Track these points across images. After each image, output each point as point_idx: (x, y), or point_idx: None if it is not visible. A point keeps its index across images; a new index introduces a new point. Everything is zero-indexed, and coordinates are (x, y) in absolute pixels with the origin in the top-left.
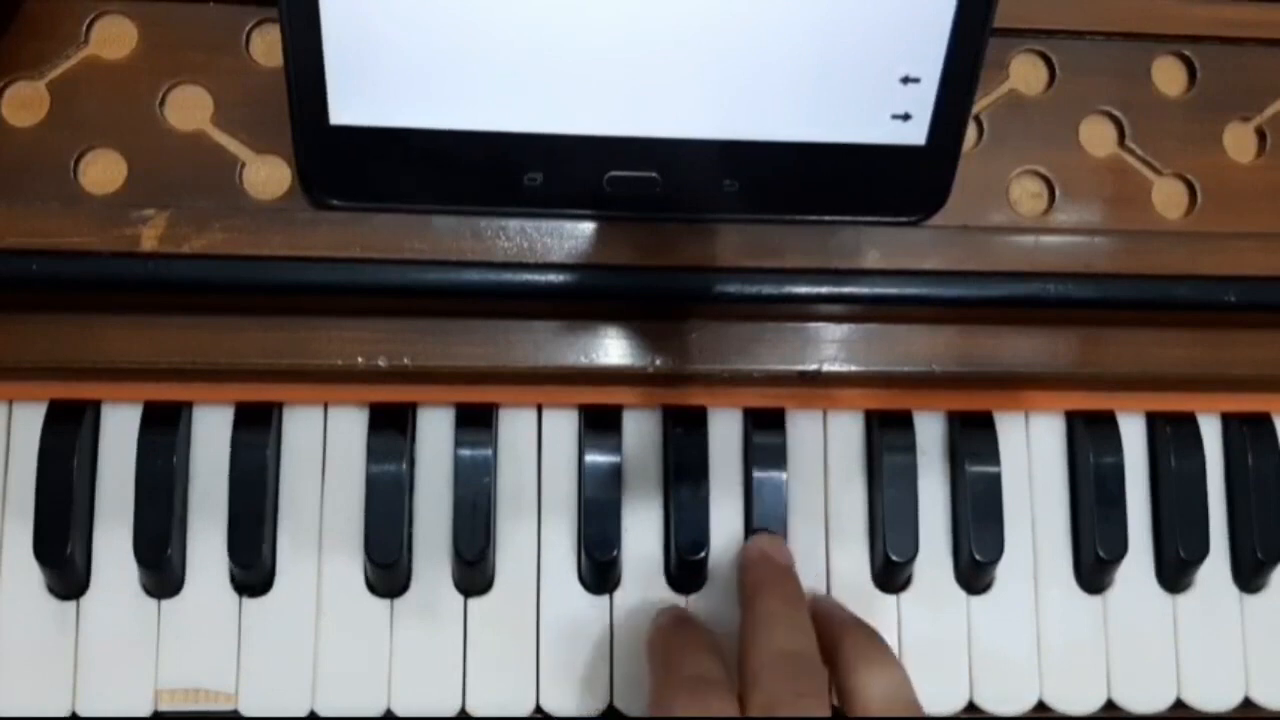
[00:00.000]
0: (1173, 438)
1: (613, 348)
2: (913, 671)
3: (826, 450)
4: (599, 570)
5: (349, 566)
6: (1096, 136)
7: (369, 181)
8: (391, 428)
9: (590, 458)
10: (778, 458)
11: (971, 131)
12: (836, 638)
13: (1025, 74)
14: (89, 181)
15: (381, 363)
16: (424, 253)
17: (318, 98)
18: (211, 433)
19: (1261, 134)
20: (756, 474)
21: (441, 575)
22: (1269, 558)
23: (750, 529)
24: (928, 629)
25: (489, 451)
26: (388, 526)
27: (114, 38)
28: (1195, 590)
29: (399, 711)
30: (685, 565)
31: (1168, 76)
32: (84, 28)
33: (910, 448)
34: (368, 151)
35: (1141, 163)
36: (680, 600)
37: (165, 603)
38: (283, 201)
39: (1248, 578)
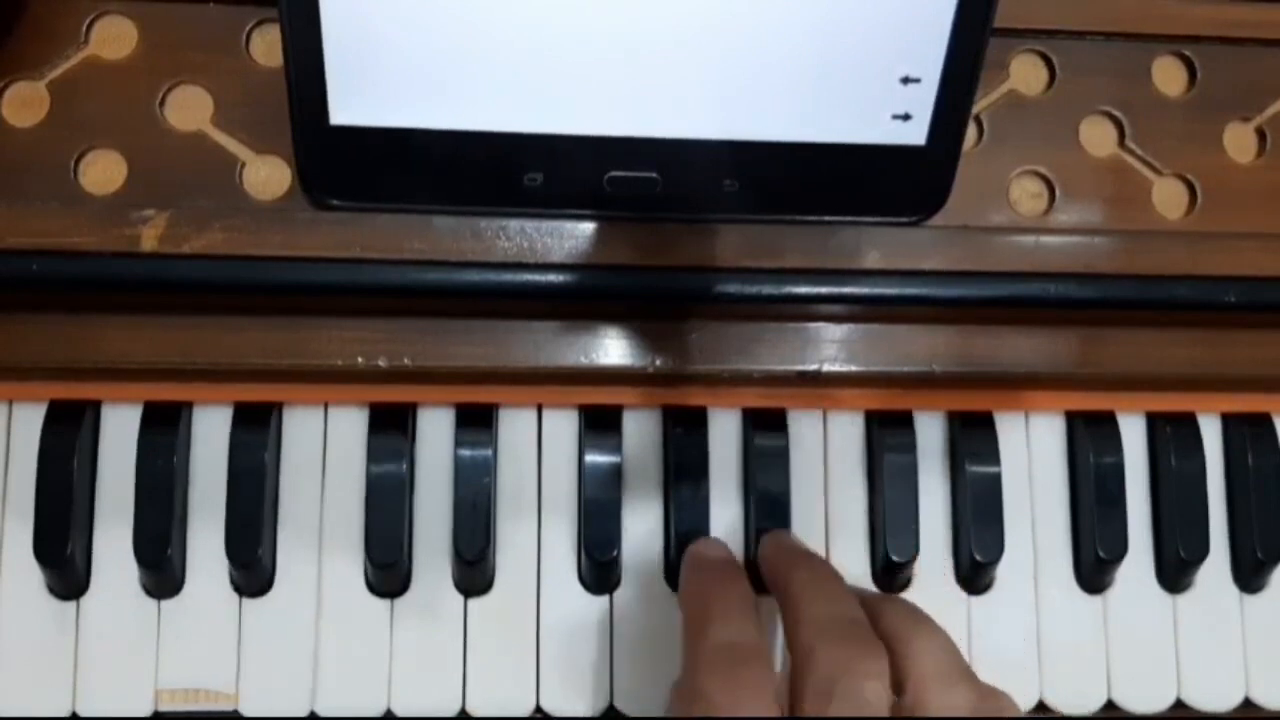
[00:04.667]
0: (1173, 438)
1: (613, 348)
2: None
3: (826, 450)
4: (599, 570)
5: (349, 566)
6: (1096, 136)
7: (369, 181)
8: (391, 428)
9: (590, 458)
10: (778, 458)
11: (971, 131)
12: (874, 610)
13: (1025, 74)
14: (89, 181)
15: (381, 363)
16: (424, 253)
17: (318, 98)
18: (211, 433)
19: (1261, 134)
20: (756, 474)
21: (441, 575)
22: (1269, 558)
23: (750, 529)
24: None
25: (489, 451)
26: (388, 526)
27: (114, 38)
28: (1195, 590)
29: (399, 711)
30: None
31: (1168, 76)
32: (84, 28)
33: (910, 448)
34: (368, 151)
35: (1141, 163)
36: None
37: (165, 603)
38: (283, 201)
39: (1248, 578)
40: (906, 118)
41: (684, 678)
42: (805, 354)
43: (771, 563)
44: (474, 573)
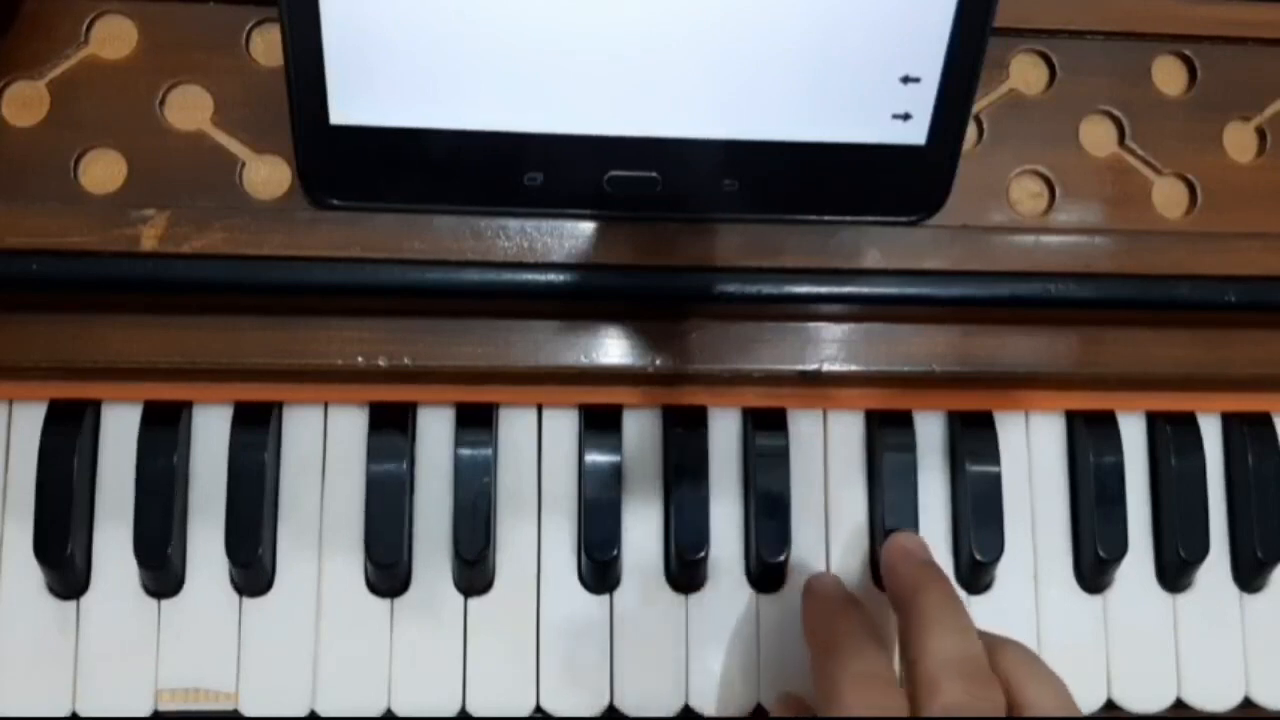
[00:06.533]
0: (1173, 438)
1: (613, 348)
2: None
3: (826, 450)
4: (599, 570)
5: (349, 566)
6: (1096, 136)
7: (369, 181)
8: (391, 428)
9: (590, 458)
10: (778, 457)
11: (971, 131)
12: (990, 647)
13: (1025, 74)
14: (89, 181)
15: (381, 363)
16: (424, 253)
17: (318, 98)
18: (211, 433)
19: (1261, 134)
20: (756, 474)
21: (441, 575)
22: (1269, 558)
23: (750, 529)
24: None
25: (489, 451)
26: (388, 526)
27: (114, 38)
28: (1195, 590)
29: (399, 711)
30: (685, 565)
31: (1168, 76)
32: (84, 28)
33: (910, 448)
34: (368, 151)
35: (1141, 163)
36: (680, 600)
37: (165, 603)
38: (283, 201)
39: (1248, 578)
40: (906, 117)
41: (828, 703)
42: (805, 354)
43: (898, 573)
44: (474, 573)
